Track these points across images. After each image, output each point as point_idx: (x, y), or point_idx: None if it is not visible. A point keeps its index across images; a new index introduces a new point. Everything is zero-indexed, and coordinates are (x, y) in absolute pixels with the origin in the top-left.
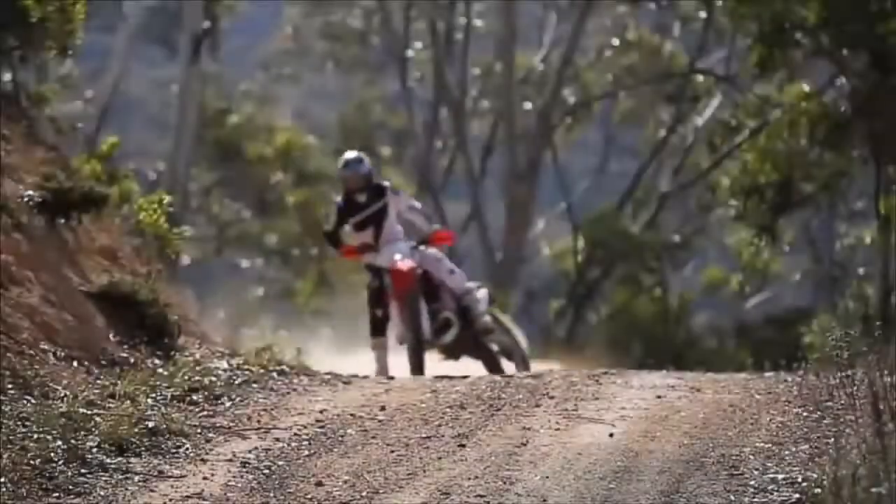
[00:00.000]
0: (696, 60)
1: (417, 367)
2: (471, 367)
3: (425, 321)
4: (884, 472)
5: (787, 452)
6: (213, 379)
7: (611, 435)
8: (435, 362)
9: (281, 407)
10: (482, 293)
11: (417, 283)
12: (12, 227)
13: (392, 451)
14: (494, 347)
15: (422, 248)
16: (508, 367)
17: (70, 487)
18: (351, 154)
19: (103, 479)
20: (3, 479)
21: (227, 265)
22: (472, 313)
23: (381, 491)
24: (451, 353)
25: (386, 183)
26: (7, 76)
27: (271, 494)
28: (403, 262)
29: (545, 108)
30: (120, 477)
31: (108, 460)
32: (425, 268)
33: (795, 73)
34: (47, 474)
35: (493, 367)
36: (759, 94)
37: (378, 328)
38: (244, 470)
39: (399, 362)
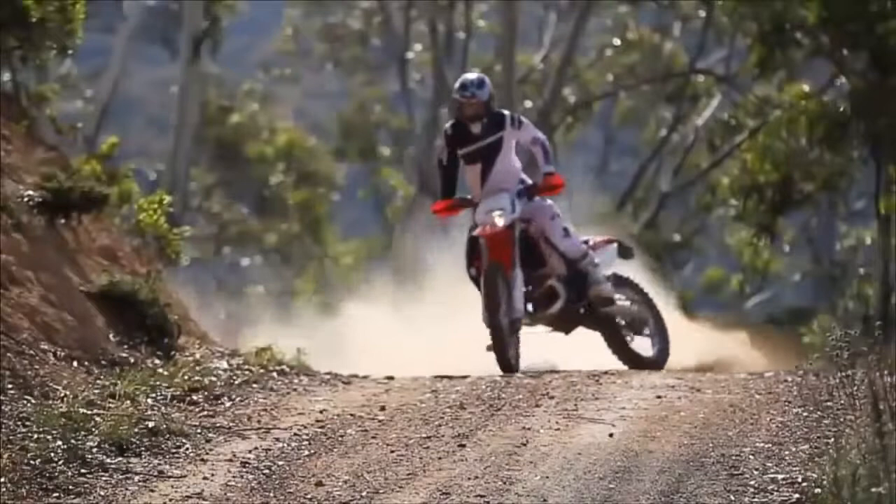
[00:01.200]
0: (696, 60)
1: (501, 359)
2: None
3: (518, 294)
4: (884, 472)
5: (787, 452)
6: (213, 379)
7: (611, 435)
8: (542, 337)
9: (281, 407)
10: (606, 253)
11: (513, 248)
12: (12, 227)
13: (392, 451)
14: (621, 321)
15: (535, 199)
16: (641, 344)
17: (70, 487)
18: (472, 75)
19: (103, 479)
20: (3, 479)
21: (228, 264)
22: (589, 279)
23: (381, 491)
24: (560, 326)
25: (507, 112)
26: (7, 76)
27: (271, 494)
28: (497, 222)
29: (545, 107)
30: (120, 477)
31: (108, 460)
32: (534, 222)
33: (795, 73)
34: (47, 474)
35: (616, 344)
36: (759, 94)
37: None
38: (244, 470)
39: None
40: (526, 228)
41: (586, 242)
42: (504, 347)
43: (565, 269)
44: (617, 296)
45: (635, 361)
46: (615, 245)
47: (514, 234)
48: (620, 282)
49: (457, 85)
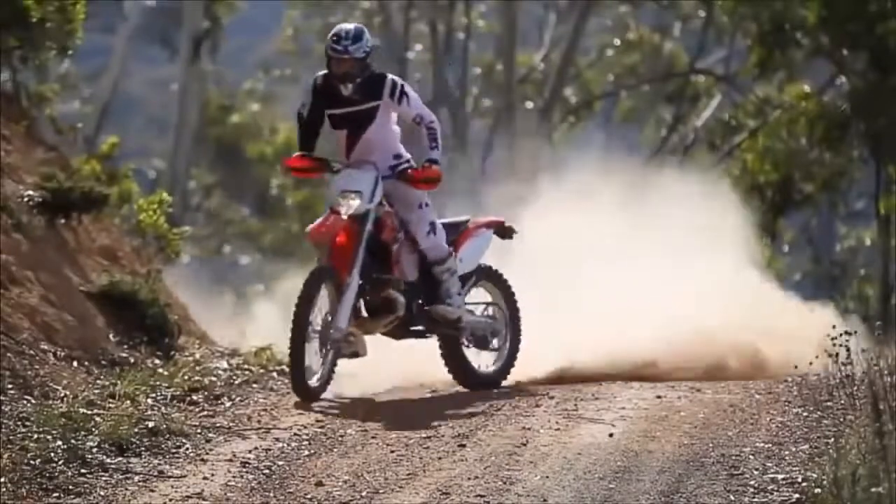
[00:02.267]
0: (696, 60)
1: (296, 382)
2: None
3: (348, 307)
4: (884, 472)
5: (787, 452)
6: (213, 379)
7: (611, 435)
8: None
9: (281, 407)
10: (480, 240)
11: (357, 248)
12: (12, 227)
13: (392, 451)
14: (464, 340)
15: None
16: (483, 357)
17: (70, 487)
18: (349, 25)
19: (103, 479)
20: (3, 479)
21: (228, 264)
22: (440, 291)
23: (381, 491)
24: (393, 334)
25: (389, 78)
26: (7, 76)
27: (271, 494)
28: (347, 207)
29: (546, 107)
30: (120, 477)
31: (108, 460)
32: (397, 210)
33: (795, 73)
34: (47, 474)
35: (452, 357)
36: (759, 94)
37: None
38: (244, 470)
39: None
40: (383, 219)
41: (465, 224)
42: (300, 367)
43: (417, 272)
44: (469, 307)
45: (468, 378)
46: (492, 230)
47: (363, 230)
48: (487, 275)
49: (330, 35)
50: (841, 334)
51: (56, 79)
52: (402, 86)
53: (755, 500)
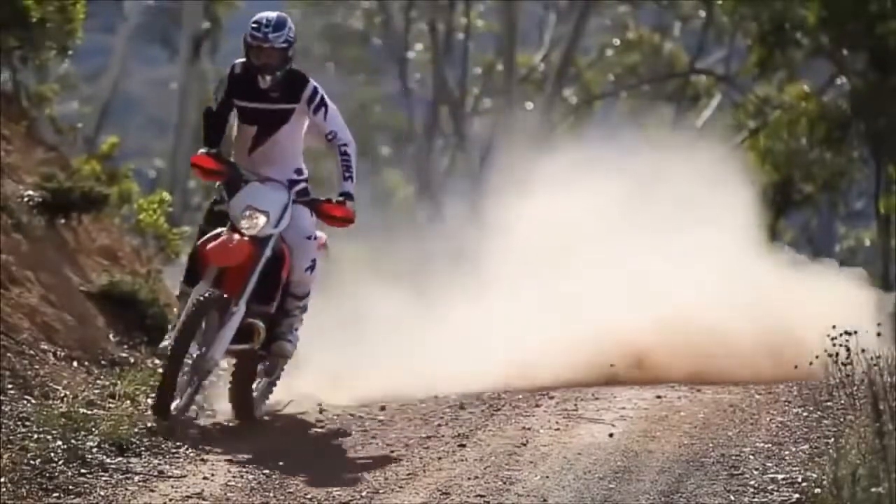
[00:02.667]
0: (696, 60)
1: (160, 402)
2: None
3: (228, 337)
4: (884, 472)
5: (787, 452)
6: (213, 379)
7: (611, 435)
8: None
9: (281, 406)
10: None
11: (252, 275)
12: (12, 227)
13: (392, 451)
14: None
15: (306, 213)
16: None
17: (70, 487)
18: (272, 14)
19: (103, 479)
20: (3, 479)
21: None
22: (286, 325)
23: (381, 491)
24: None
25: (312, 83)
26: (7, 76)
27: (271, 494)
28: (250, 227)
29: (546, 107)
30: (120, 477)
31: (108, 460)
32: (287, 239)
33: (795, 73)
34: (47, 474)
35: (240, 387)
36: (759, 94)
37: (195, 274)
38: (244, 470)
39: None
40: (281, 247)
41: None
42: (169, 391)
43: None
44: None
45: (246, 410)
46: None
47: (261, 254)
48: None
49: (251, 21)
50: (841, 334)
51: (56, 79)
52: (323, 96)
53: (755, 500)
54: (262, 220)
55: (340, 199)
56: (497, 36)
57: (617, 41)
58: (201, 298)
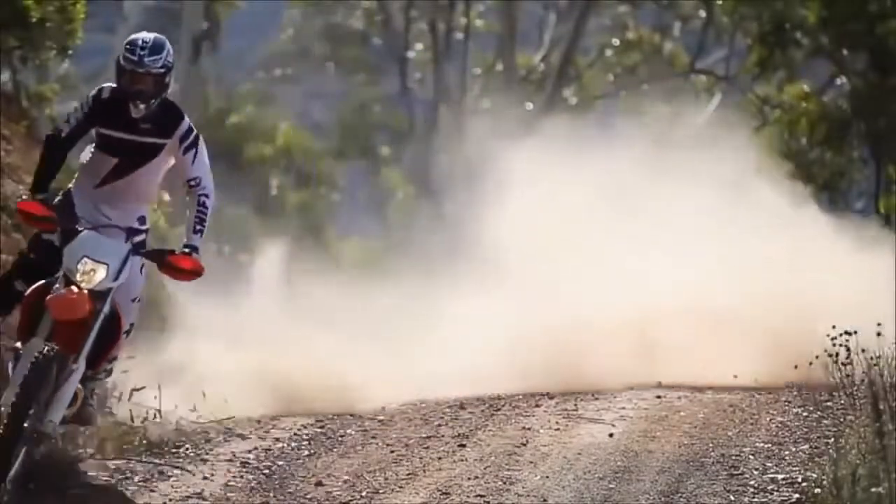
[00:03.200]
0: (696, 60)
1: None
2: None
3: (67, 397)
4: (884, 472)
5: (787, 452)
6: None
7: (611, 435)
8: None
9: None
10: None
11: (91, 330)
12: (12, 227)
13: (392, 451)
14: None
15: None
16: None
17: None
18: (149, 35)
19: (103, 478)
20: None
21: (228, 263)
22: (91, 391)
23: (381, 491)
24: None
25: (187, 122)
26: (7, 76)
27: (271, 494)
28: (89, 280)
29: (546, 107)
30: (120, 477)
31: (108, 460)
32: (116, 297)
33: (795, 73)
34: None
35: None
36: (759, 94)
37: (30, 326)
38: (244, 470)
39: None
40: (116, 302)
41: None
42: (7, 458)
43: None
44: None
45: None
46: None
47: (100, 309)
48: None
49: (125, 42)
50: (841, 334)
51: (56, 79)
52: (197, 136)
53: (755, 500)
54: (101, 272)
55: (186, 250)
56: (497, 36)
57: (617, 41)
58: (42, 354)
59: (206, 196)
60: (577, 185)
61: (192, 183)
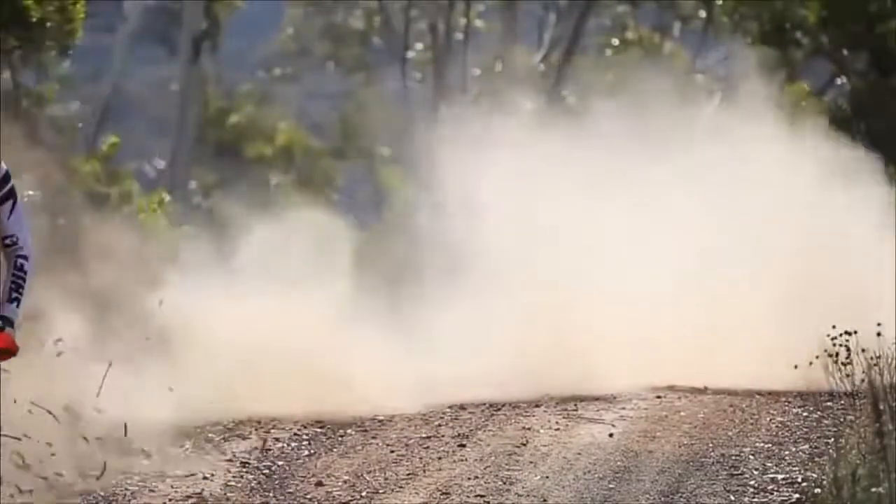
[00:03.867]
0: (696, 60)
1: None
2: None
3: None
4: (884, 472)
5: (787, 452)
6: None
7: (611, 435)
8: None
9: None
10: None
11: None
12: None
13: (392, 451)
14: None
15: None
16: None
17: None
18: None
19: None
20: (2, 479)
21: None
22: None
23: (381, 491)
24: None
25: (4, 166)
26: (7, 76)
27: (271, 494)
28: None
29: (545, 107)
30: (120, 477)
31: (108, 460)
32: None
33: (795, 73)
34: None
35: None
36: (758, 94)
37: None
38: (244, 470)
39: None
40: None
41: None
42: None
43: None
44: None
45: None
46: None
47: None
48: None
49: None
50: (841, 334)
51: (56, 79)
52: (13, 186)
53: (755, 500)
54: None
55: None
56: (497, 36)
57: (617, 41)
58: None
59: (25, 259)
60: (577, 185)
61: (8, 242)
